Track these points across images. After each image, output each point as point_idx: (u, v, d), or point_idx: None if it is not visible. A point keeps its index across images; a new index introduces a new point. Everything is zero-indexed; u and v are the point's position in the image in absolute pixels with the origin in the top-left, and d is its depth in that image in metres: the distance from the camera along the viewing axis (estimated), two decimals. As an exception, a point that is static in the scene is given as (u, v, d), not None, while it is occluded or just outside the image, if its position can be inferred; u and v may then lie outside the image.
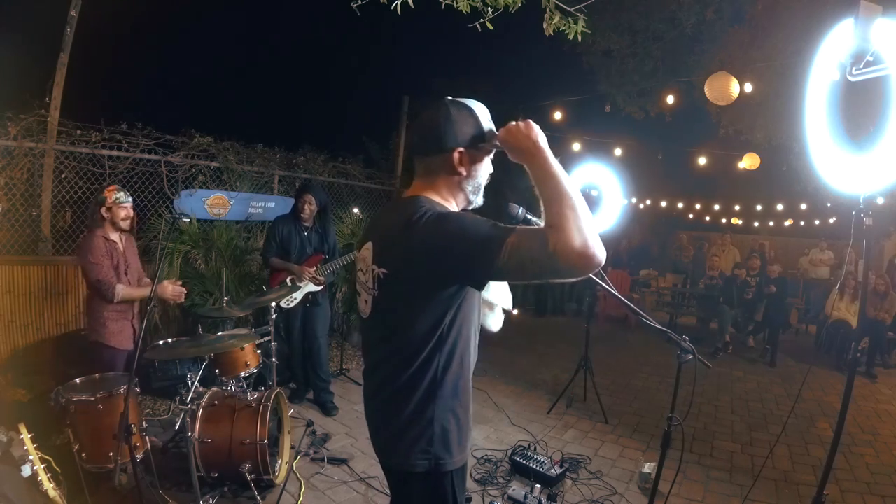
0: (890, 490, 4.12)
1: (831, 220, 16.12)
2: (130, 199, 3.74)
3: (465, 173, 1.59)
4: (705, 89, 6.96)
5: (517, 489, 3.52)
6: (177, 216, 5.33)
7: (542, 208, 1.35)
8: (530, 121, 1.45)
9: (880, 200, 9.82)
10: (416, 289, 1.47)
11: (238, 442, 3.24)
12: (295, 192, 4.79)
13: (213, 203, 5.98)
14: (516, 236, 1.30)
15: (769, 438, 4.88)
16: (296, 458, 3.90)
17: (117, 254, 3.66)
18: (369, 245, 1.62)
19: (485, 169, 1.66)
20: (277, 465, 3.54)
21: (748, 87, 7.39)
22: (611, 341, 8.54)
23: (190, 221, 5.45)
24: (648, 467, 3.87)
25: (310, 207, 4.70)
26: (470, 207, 1.71)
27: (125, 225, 3.69)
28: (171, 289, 3.74)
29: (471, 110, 1.58)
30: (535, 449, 4.26)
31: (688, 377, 2.34)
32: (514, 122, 1.47)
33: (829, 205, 14.76)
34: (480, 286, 1.51)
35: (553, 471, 3.73)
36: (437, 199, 1.59)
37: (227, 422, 3.29)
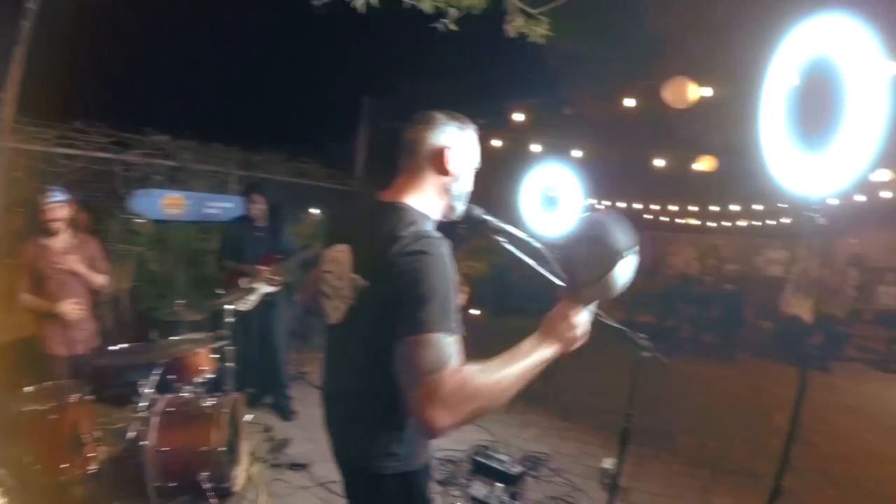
0: (846, 478, 4.28)
1: (785, 221, 16.59)
2: (61, 197, 3.55)
3: (454, 174, 1.62)
4: (664, 93, 7.10)
5: (479, 489, 3.51)
6: (131, 217, 5.19)
7: (482, 372, 1.30)
8: (577, 324, 1.46)
9: (833, 201, 10.15)
10: (385, 305, 1.42)
11: (195, 450, 3.15)
12: (243, 193, 4.72)
13: (169, 203, 5.82)
14: (434, 340, 1.28)
15: (727, 432, 5.00)
16: (255, 464, 3.81)
17: (49, 260, 3.51)
18: (345, 248, 1.57)
19: (470, 177, 1.68)
20: (236, 473, 3.46)
21: (706, 92, 7.56)
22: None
23: (144, 222, 5.32)
24: (609, 463, 3.91)
25: (258, 207, 4.64)
26: (453, 216, 1.70)
27: (53, 227, 3.52)
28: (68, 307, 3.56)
29: (474, 136, 1.68)
30: (496, 448, 4.25)
31: (646, 374, 2.37)
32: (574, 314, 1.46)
33: (783, 206, 15.24)
34: None
35: (514, 469, 3.73)
36: (422, 206, 1.58)
37: (184, 429, 3.19)
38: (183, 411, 3.29)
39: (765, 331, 10.50)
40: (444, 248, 1.42)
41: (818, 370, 7.42)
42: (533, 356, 1.40)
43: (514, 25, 3.49)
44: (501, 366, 1.33)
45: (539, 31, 3.52)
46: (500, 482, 3.57)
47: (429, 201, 1.61)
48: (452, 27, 3.39)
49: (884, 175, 10.68)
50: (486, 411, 1.29)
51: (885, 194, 12.21)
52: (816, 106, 2.63)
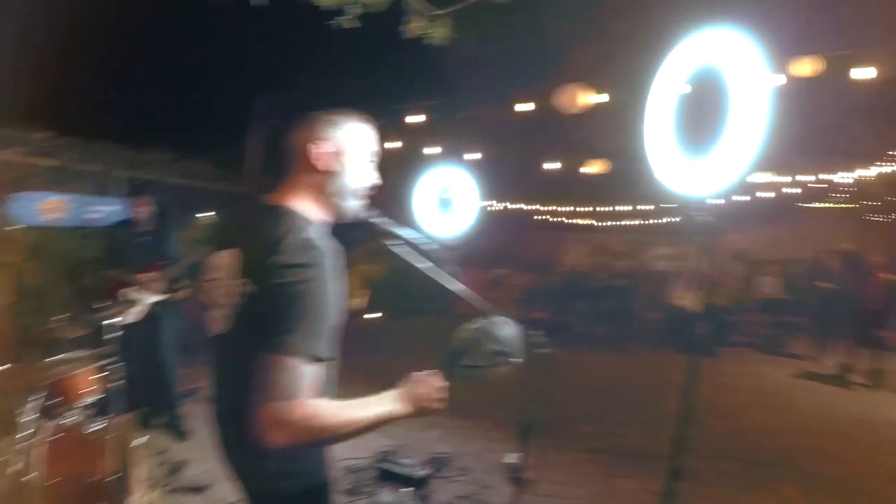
0: (740, 454, 4.63)
1: (672, 220, 17.71)
2: None
3: (325, 169, 1.52)
4: (559, 98, 7.34)
5: (386, 496, 3.48)
6: (6, 223, 4.76)
7: (334, 411, 1.33)
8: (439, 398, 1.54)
9: (717, 201, 10.90)
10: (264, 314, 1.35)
11: (86, 479, 2.87)
12: (128, 195, 4.44)
13: (49, 207, 5.37)
14: (292, 364, 1.26)
15: (624, 418, 5.25)
16: (151, 490, 3.56)
17: None
18: (231, 254, 1.48)
19: (356, 167, 1.57)
20: (131, 501, 3.23)
21: (599, 98, 7.89)
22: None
23: (21, 229, 4.89)
24: (513, 458, 3.98)
25: (145, 210, 4.36)
26: (344, 216, 1.60)
27: None
28: None
29: (359, 126, 1.59)
30: (401, 452, 4.23)
31: (543, 368, 2.43)
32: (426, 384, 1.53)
33: (670, 206, 16.26)
34: None
35: (420, 472, 3.73)
36: (305, 208, 1.50)
37: (73, 458, 2.92)
38: (70, 439, 3.01)
39: (654, 322, 11.18)
40: (328, 260, 1.37)
41: (707, 356, 7.95)
42: (386, 411, 1.43)
43: (414, 26, 3.47)
44: (353, 411, 1.36)
45: (438, 34, 3.52)
46: (407, 487, 3.56)
47: (312, 203, 1.53)
48: (349, 25, 3.33)
49: (763, 177, 11.64)
50: (325, 443, 1.39)
51: (765, 194, 13.35)
52: (702, 113, 2.81)
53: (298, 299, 1.29)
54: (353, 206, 1.60)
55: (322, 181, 1.53)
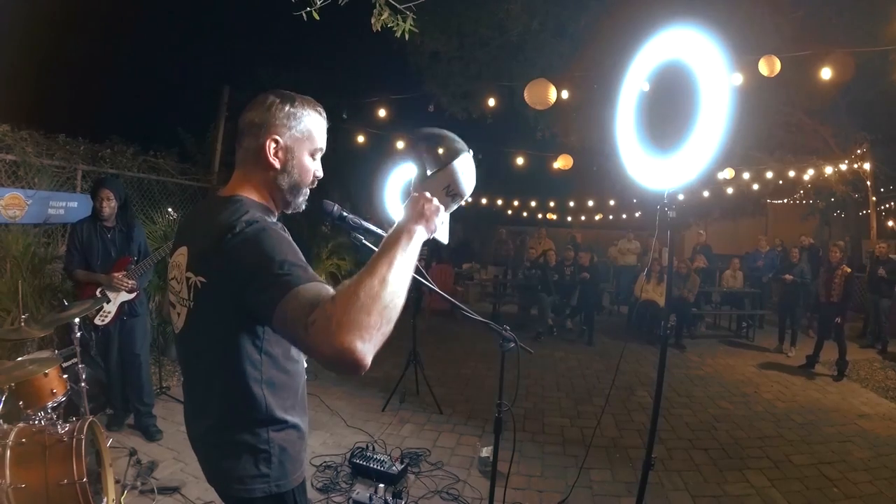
0: (710, 443, 4.71)
1: (637, 214, 18.10)
2: None
3: (278, 167, 1.47)
4: (525, 94, 7.36)
5: (361, 492, 3.45)
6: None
7: (354, 278, 1.16)
8: (431, 198, 1.40)
9: (680, 196, 11.12)
10: (233, 301, 1.29)
11: (55, 484, 2.77)
12: (90, 190, 4.29)
13: (7, 204, 5.16)
14: (299, 292, 1.14)
15: (595, 410, 5.31)
16: (123, 493, 3.47)
17: None
18: (184, 250, 1.44)
19: (305, 167, 1.52)
20: (103, 504, 3.14)
21: (565, 95, 7.94)
22: (438, 334, 8.68)
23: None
24: (486, 451, 4.00)
25: (109, 204, 4.19)
26: (290, 211, 1.58)
27: None
28: None
29: (316, 119, 1.51)
30: (374, 448, 4.22)
31: (513, 362, 2.44)
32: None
33: (634, 200, 16.58)
34: (262, 324, 1.36)
35: (394, 468, 3.74)
36: (255, 197, 1.47)
37: (39, 462, 2.81)
38: (36, 441, 2.89)
39: (622, 315, 11.41)
40: (278, 226, 1.34)
41: (675, 348, 8.13)
42: (399, 237, 1.28)
43: (380, 19, 3.43)
44: (371, 261, 1.20)
45: (404, 27, 3.49)
46: (382, 482, 3.55)
47: (262, 195, 1.50)
48: (316, 16, 3.28)
49: (726, 173, 11.89)
50: (389, 314, 1.13)
51: (728, 190, 13.66)
52: (667, 109, 2.85)
53: (268, 245, 1.24)
54: (300, 201, 1.57)
55: (272, 177, 1.49)
